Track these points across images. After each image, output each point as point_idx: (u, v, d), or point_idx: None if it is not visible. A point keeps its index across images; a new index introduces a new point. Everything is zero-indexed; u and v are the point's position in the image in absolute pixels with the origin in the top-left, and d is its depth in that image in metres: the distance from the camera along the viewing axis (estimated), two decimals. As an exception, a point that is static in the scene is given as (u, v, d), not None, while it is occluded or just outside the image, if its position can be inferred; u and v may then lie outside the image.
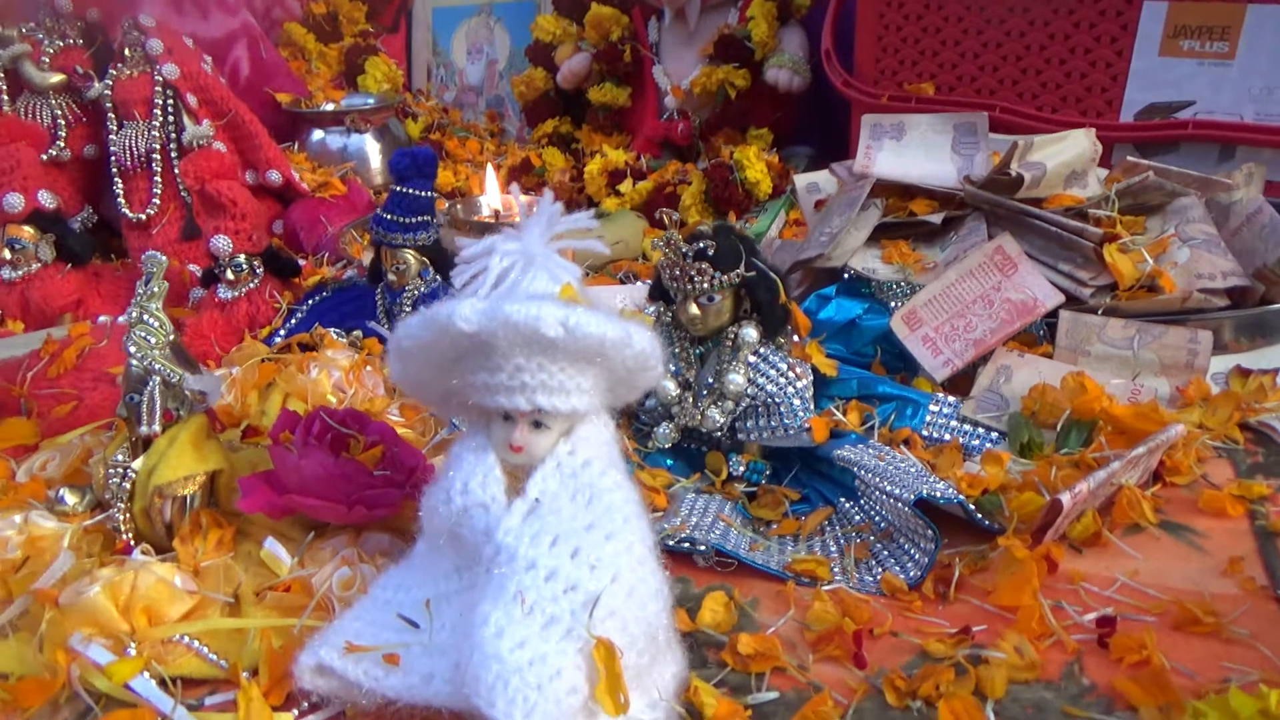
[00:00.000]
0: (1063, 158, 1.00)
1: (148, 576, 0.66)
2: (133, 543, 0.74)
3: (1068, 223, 0.96)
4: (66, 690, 0.61)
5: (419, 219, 1.10)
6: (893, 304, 1.01)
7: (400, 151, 1.10)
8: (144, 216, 1.57)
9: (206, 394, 0.78)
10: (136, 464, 0.75)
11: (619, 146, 1.95)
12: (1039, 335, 0.95)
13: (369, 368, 0.98)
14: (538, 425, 0.59)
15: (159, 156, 1.56)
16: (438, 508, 0.60)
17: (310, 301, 1.26)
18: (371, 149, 1.97)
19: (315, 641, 0.59)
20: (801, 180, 1.25)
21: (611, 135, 2.03)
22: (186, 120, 1.56)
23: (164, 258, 0.75)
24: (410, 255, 1.11)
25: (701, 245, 0.84)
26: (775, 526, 0.83)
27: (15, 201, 1.26)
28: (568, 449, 0.60)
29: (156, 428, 0.73)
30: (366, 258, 1.47)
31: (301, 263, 1.39)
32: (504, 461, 0.60)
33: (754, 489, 0.88)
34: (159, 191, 1.56)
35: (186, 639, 0.63)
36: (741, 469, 0.88)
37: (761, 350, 0.88)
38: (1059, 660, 0.61)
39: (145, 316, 0.74)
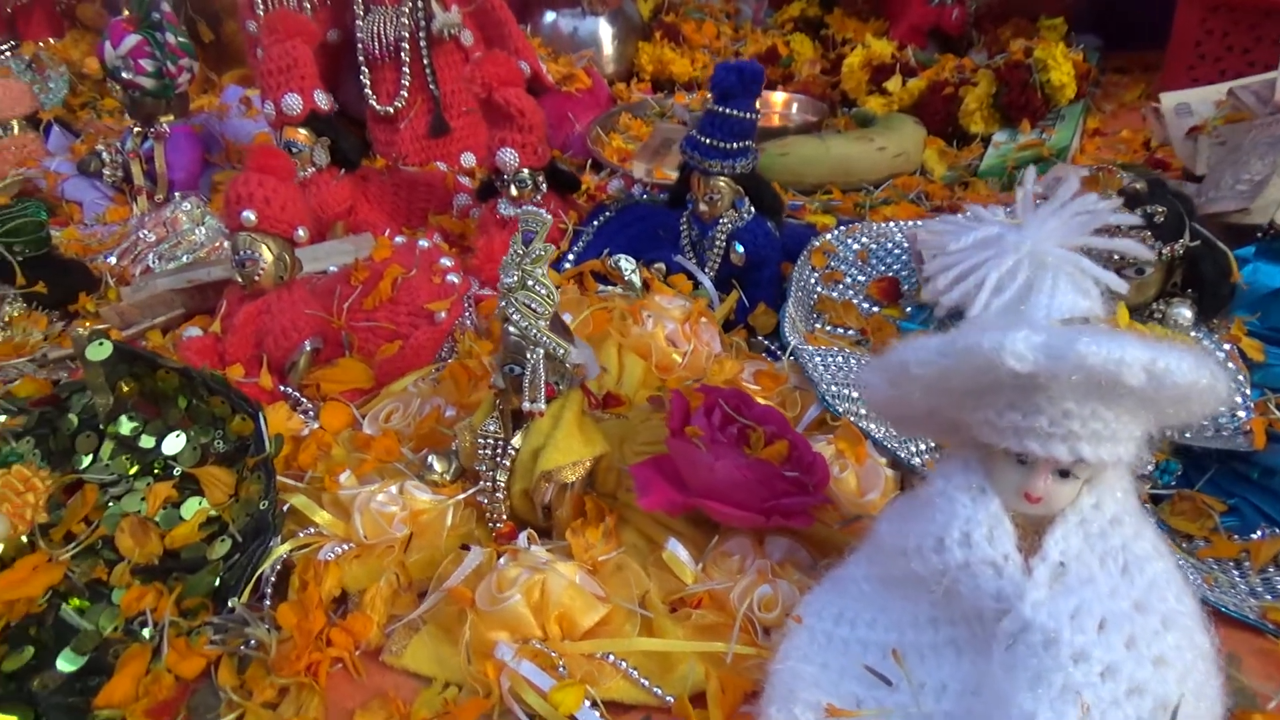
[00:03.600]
0: None
1: (558, 580, 0.61)
2: (506, 521, 0.70)
3: None
4: (499, 705, 0.57)
5: (740, 144, 0.98)
6: (1326, 271, 0.84)
7: (724, 66, 0.97)
8: (391, 109, 1.51)
9: (585, 367, 0.71)
10: (515, 441, 0.69)
11: (877, 34, 1.75)
12: None
13: (704, 319, 0.89)
14: (1064, 474, 0.49)
15: (408, 45, 1.49)
16: (922, 553, 0.51)
17: (595, 222, 1.18)
18: (605, 33, 1.84)
19: (780, 693, 0.53)
20: (1169, 100, 1.06)
21: (868, 21, 1.83)
22: (435, 6, 1.48)
23: (547, 215, 0.67)
24: (724, 184, 1.00)
25: (1147, 210, 0.70)
26: (1204, 545, 0.71)
27: (293, 103, 1.21)
28: (1092, 502, 0.50)
29: (541, 405, 0.67)
30: (637, 169, 1.37)
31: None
32: (1011, 509, 0.50)
33: (1166, 491, 0.76)
34: (407, 83, 1.50)
35: (612, 657, 0.58)
36: (1150, 467, 0.76)
37: (1194, 334, 0.74)
38: None
39: (529, 282, 0.66)
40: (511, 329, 0.67)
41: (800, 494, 0.63)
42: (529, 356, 0.67)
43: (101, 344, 0.73)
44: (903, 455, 0.73)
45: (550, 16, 1.84)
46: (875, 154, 1.37)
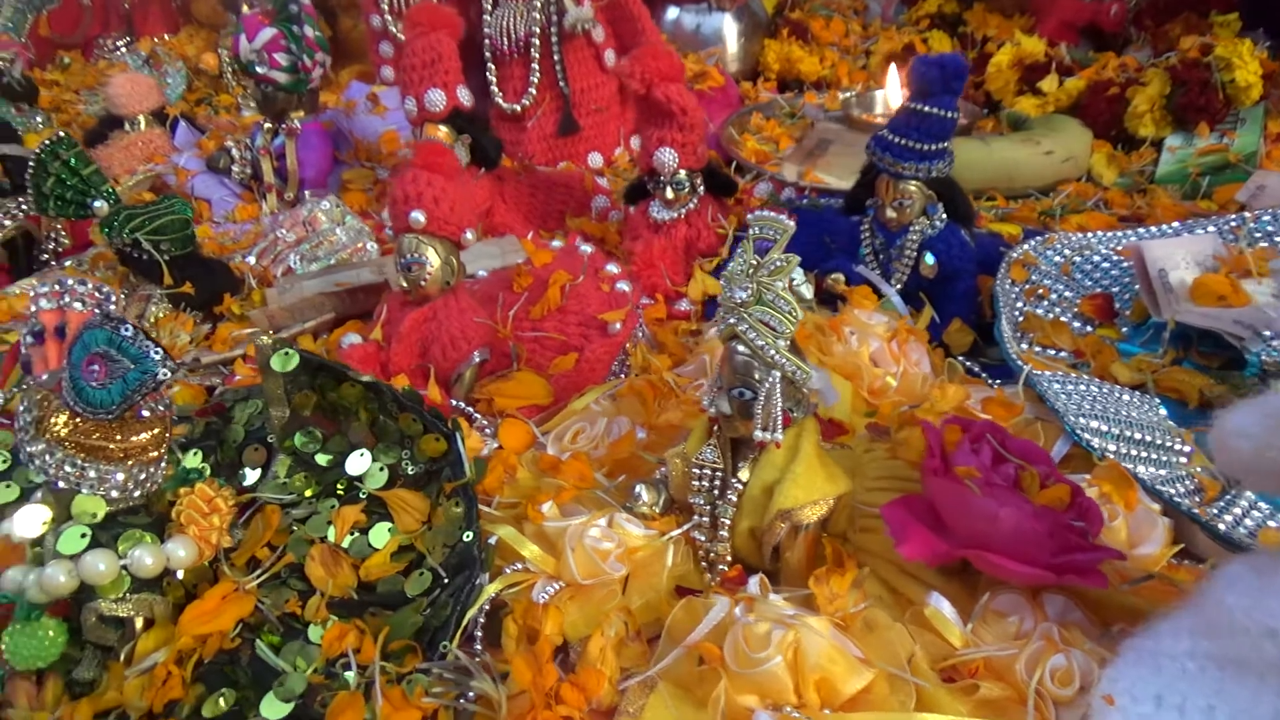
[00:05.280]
0: None
1: (813, 638, 0.53)
2: (733, 564, 0.63)
3: None
4: (761, 784, 0.50)
5: (938, 146, 0.90)
6: None
7: (924, 60, 0.89)
8: (518, 108, 1.45)
9: (822, 393, 0.63)
10: (743, 474, 0.62)
11: (1023, 32, 1.65)
12: None
13: (913, 338, 0.81)
14: None
15: (538, 41, 1.43)
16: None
17: (756, 228, 1.10)
18: (729, 30, 1.76)
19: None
20: None
21: (1011, 17, 1.72)
22: (567, 1, 1.41)
23: (788, 222, 0.60)
24: (915, 188, 0.92)
25: None
26: None
27: (437, 99, 1.15)
28: None
29: (779, 435, 0.60)
30: (788, 171, 1.29)
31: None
32: None
33: None
34: (536, 80, 1.44)
35: (886, 732, 0.51)
36: None
37: None
38: None
39: (769, 296, 0.59)
40: (741, 348, 0.60)
41: (1091, 548, 0.55)
42: (762, 380, 0.59)
43: (288, 354, 0.67)
44: (1181, 502, 0.64)
45: (674, 13, 1.78)
46: (1041, 158, 1.27)
